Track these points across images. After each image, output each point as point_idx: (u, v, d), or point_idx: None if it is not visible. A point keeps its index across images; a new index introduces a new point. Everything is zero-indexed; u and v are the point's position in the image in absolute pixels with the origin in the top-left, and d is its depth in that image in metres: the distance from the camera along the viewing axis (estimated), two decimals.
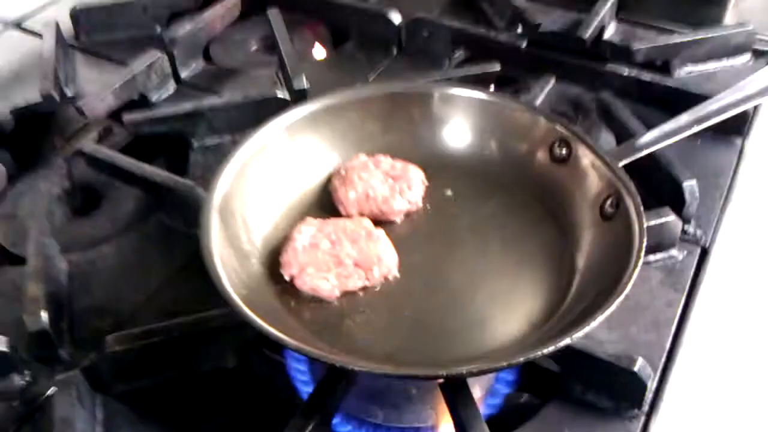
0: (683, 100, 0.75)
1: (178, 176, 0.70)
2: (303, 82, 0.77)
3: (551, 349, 0.47)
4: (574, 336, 0.47)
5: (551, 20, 0.89)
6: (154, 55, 0.84)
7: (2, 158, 0.77)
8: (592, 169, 0.61)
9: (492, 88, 0.82)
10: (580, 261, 0.58)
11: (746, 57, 0.86)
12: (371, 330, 0.56)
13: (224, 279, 0.51)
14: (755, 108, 0.78)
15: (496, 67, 0.81)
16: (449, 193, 0.66)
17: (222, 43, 0.95)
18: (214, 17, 0.93)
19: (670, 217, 0.63)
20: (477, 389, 0.58)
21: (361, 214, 0.63)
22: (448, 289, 0.59)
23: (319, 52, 0.95)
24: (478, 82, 0.79)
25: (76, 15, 0.94)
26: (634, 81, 0.82)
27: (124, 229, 0.70)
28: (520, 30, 0.88)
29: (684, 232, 0.66)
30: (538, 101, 0.80)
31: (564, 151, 0.64)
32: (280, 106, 0.68)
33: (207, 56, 0.93)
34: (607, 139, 0.76)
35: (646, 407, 0.55)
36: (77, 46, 0.94)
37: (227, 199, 0.59)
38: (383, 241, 0.59)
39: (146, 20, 0.95)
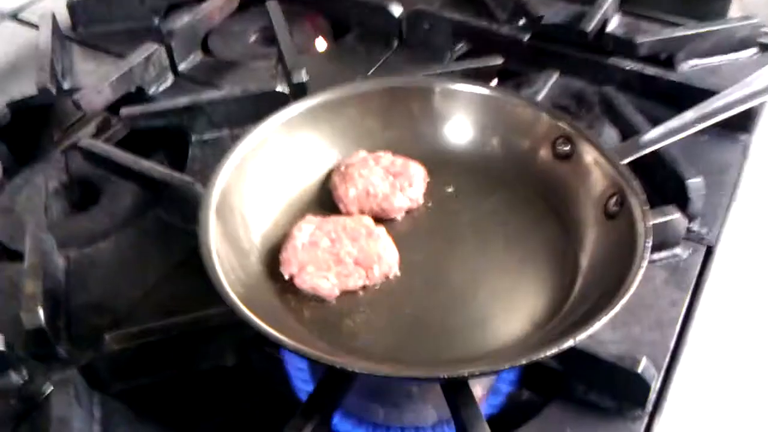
0: (687, 94, 0.74)
1: (177, 171, 0.69)
2: (302, 76, 0.76)
3: (554, 350, 0.46)
4: (577, 338, 0.47)
5: (554, 12, 0.88)
6: (152, 47, 0.84)
7: None
8: (595, 167, 0.61)
9: (494, 81, 0.81)
10: (584, 259, 0.58)
11: (751, 51, 0.85)
12: (372, 329, 0.55)
13: (222, 278, 0.51)
14: (761, 104, 0.77)
15: (498, 60, 0.80)
16: (450, 190, 0.66)
17: (220, 35, 0.94)
18: (212, 8, 0.92)
19: (675, 215, 0.63)
20: (478, 388, 0.57)
21: (362, 212, 0.63)
22: (449, 287, 0.58)
23: (318, 44, 0.94)
24: (480, 75, 0.79)
25: (73, 6, 0.94)
26: (637, 75, 0.81)
27: (122, 224, 0.69)
28: (522, 23, 0.87)
29: (689, 230, 0.66)
30: (541, 95, 0.80)
31: (567, 148, 0.63)
32: (280, 100, 0.67)
33: (205, 48, 0.92)
34: (610, 134, 0.76)
35: (649, 408, 0.55)
36: (74, 37, 0.93)
37: (226, 195, 0.58)
38: (384, 239, 0.59)
39: (144, 12, 0.94)
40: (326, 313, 0.56)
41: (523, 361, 0.47)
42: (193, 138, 0.77)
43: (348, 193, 0.63)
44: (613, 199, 0.58)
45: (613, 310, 0.48)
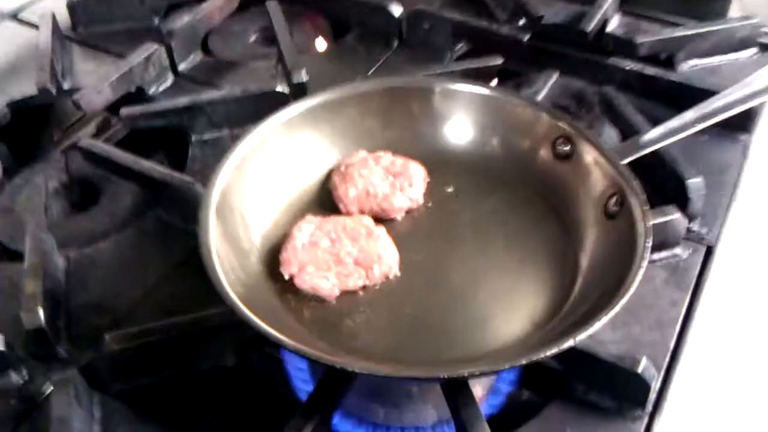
0: (687, 94, 0.74)
1: (177, 171, 0.69)
2: (302, 76, 0.76)
3: (554, 351, 0.46)
4: (577, 338, 0.47)
5: (554, 12, 0.88)
6: (152, 47, 0.83)
7: None
8: (595, 167, 0.61)
9: (494, 81, 0.81)
10: (584, 260, 0.58)
11: (751, 51, 0.85)
12: (371, 329, 0.55)
13: (222, 278, 0.51)
14: (761, 104, 0.77)
15: (498, 60, 0.80)
16: (450, 190, 0.66)
17: (220, 34, 0.94)
18: (213, 8, 0.92)
19: (675, 216, 0.62)
20: (478, 388, 0.57)
21: (362, 212, 0.62)
22: (449, 287, 0.58)
23: (318, 44, 0.94)
24: (480, 75, 0.79)
25: (73, 6, 0.94)
26: (637, 75, 0.81)
27: (122, 224, 0.69)
28: (522, 22, 0.87)
29: (689, 230, 0.65)
30: (541, 95, 0.80)
31: (567, 148, 0.63)
32: (280, 100, 0.67)
33: (205, 48, 0.92)
34: (610, 134, 0.75)
35: (649, 408, 0.54)
36: (74, 37, 0.93)
37: (226, 195, 0.58)
38: (384, 239, 0.59)
39: (144, 12, 0.94)
40: (326, 313, 0.56)
41: (523, 361, 0.47)
42: (193, 138, 0.77)
43: (348, 193, 0.63)
44: (613, 199, 0.58)
45: (613, 310, 0.48)
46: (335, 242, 0.58)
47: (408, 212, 0.64)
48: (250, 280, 0.55)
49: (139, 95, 0.82)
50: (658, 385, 0.55)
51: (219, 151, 0.62)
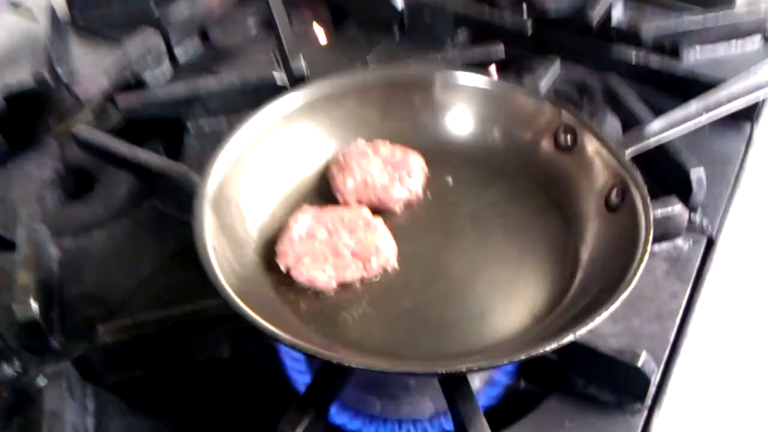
0: (692, 83, 0.74)
1: (173, 161, 0.68)
2: (301, 66, 0.75)
3: (554, 346, 0.46)
4: (577, 333, 0.46)
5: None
6: (150, 36, 0.83)
7: None
8: (597, 158, 0.60)
9: (494, 68, 0.80)
10: (584, 252, 0.57)
11: (757, 40, 0.84)
12: (369, 322, 0.55)
13: (218, 270, 0.50)
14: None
15: (500, 48, 0.79)
16: (450, 181, 0.65)
17: (219, 21, 0.93)
18: None
19: (677, 207, 0.62)
20: (476, 380, 0.57)
21: (360, 203, 0.62)
22: (448, 280, 0.58)
23: (318, 33, 0.93)
24: (481, 64, 0.78)
25: None
26: (641, 63, 0.80)
27: (117, 214, 0.69)
28: (524, 10, 0.86)
29: (690, 221, 0.65)
30: (542, 83, 0.79)
31: (569, 139, 0.63)
32: (278, 90, 0.66)
33: (204, 35, 0.91)
34: (612, 123, 0.75)
35: (648, 401, 0.54)
36: (71, 25, 0.92)
37: (222, 186, 0.58)
38: (381, 231, 0.58)
39: None
40: (323, 305, 0.56)
41: (522, 357, 0.46)
42: (190, 126, 0.77)
43: (346, 183, 0.62)
44: (615, 192, 0.58)
45: (614, 304, 0.47)
46: (332, 234, 0.58)
47: (407, 204, 0.64)
48: (245, 272, 0.55)
49: (136, 84, 0.81)
50: (658, 378, 0.55)
51: (215, 140, 0.61)
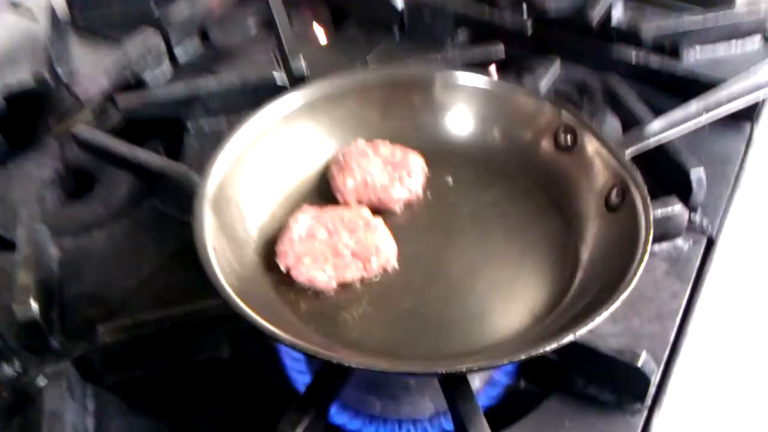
0: (692, 83, 0.74)
1: (173, 161, 0.68)
2: (302, 66, 0.75)
3: (554, 346, 0.46)
4: (577, 333, 0.46)
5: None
6: (150, 36, 0.83)
7: None
8: (597, 158, 0.60)
9: (494, 68, 0.80)
10: (584, 253, 0.57)
11: (757, 40, 0.84)
12: (369, 322, 0.55)
13: (218, 270, 0.50)
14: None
15: (500, 51, 0.79)
16: (450, 181, 0.65)
17: (219, 21, 0.93)
18: None
19: (677, 207, 0.62)
20: (476, 380, 0.57)
21: (360, 203, 0.62)
22: (448, 280, 0.58)
23: (318, 33, 0.93)
24: (482, 64, 0.78)
25: None
26: (641, 63, 0.80)
27: (117, 214, 0.69)
28: (524, 10, 0.86)
29: (690, 221, 0.65)
30: (542, 83, 0.79)
31: (569, 139, 0.63)
32: (278, 90, 0.66)
33: (204, 36, 0.91)
34: (612, 123, 0.75)
35: (648, 401, 0.54)
36: (71, 25, 0.92)
37: (222, 186, 0.58)
38: (381, 231, 0.58)
39: None
40: (323, 305, 0.56)
41: (522, 357, 0.46)
42: (190, 126, 0.76)
43: (346, 183, 0.62)
44: (615, 192, 0.58)
45: (614, 305, 0.47)
46: (332, 234, 0.58)
47: (407, 204, 0.63)
48: (245, 272, 0.55)
49: (136, 83, 0.81)
50: (658, 378, 0.55)
51: (215, 140, 0.61)
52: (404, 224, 0.62)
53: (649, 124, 0.64)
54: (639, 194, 0.55)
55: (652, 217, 0.53)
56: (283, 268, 0.57)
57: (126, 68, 0.80)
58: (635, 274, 0.49)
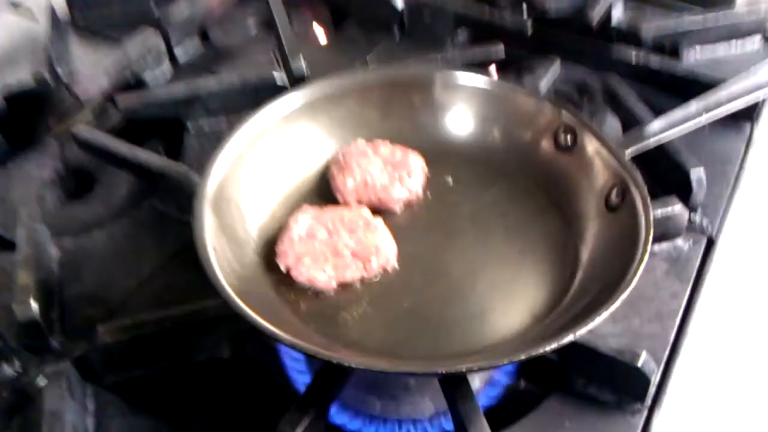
0: (692, 83, 0.73)
1: (173, 161, 0.68)
2: (302, 66, 0.75)
3: (554, 346, 0.46)
4: (577, 333, 0.46)
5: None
6: (150, 36, 0.83)
7: None
8: (597, 158, 0.60)
9: (494, 68, 0.80)
10: (584, 253, 0.57)
11: (757, 40, 0.84)
12: (369, 322, 0.55)
13: (218, 271, 0.50)
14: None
15: (500, 51, 0.79)
16: (450, 181, 0.65)
17: (219, 21, 0.92)
18: None
19: (677, 207, 0.62)
20: (476, 380, 0.57)
21: (360, 203, 0.62)
22: (448, 280, 0.58)
23: (318, 33, 0.93)
24: (482, 63, 0.78)
25: None
26: (641, 63, 0.80)
27: (117, 214, 0.69)
28: (524, 10, 0.86)
29: (690, 221, 0.65)
30: (542, 83, 0.79)
31: (569, 139, 0.63)
32: (278, 90, 0.66)
33: (204, 36, 0.91)
34: (612, 123, 0.74)
35: (648, 401, 0.54)
36: (71, 25, 0.92)
37: (222, 186, 0.58)
38: (381, 231, 0.58)
39: None
40: (323, 305, 0.56)
41: (522, 357, 0.46)
42: (190, 126, 0.76)
43: (346, 183, 0.62)
44: (615, 192, 0.57)
45: (614, 305, 0.47)
46: (332, 234, 0.58)
47: (407, 204, 0.63)
48: (245, 272, 0.55)
49: (136, 83, 0.81)
50: (658, 378, 0.55)
51: (215, 140, 0.61)
52: (404, 224, 0.62)
53: (649, 124, 0.64)
54: (639, 194, 0.55)
55: (652, 217, 0.53)
56: (283, 268, 0.56)
57: (126, 68, 0.80)
58: (635, 274, 0.49)
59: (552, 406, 0.54)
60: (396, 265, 0.58)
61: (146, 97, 0.77)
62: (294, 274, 0.56)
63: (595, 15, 0.82)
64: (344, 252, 0.57)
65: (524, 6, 0.86)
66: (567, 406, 0.54)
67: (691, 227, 0.65)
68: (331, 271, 0.56)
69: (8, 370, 0.55)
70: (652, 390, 0.54)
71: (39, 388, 0.53)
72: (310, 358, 0.57)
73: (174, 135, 0.77)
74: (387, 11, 0.89)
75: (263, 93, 0.68)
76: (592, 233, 0.58)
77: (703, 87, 0.68)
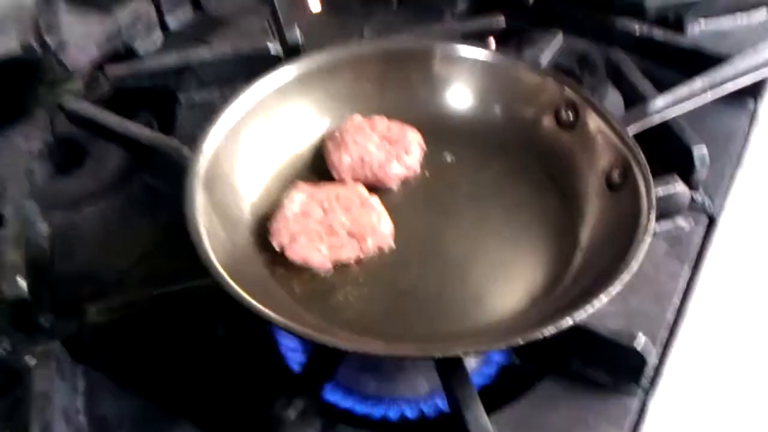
0: (696, 57, 0.73)
1: (164, 134, 0.67)
2: (296, 35, 0.74)
3: (552, 330, 0.45)
4: (576, 317, 0.46)
5: None
6: (141, 3, 0.81)
7: None
8: (599, 136, 0.59)
9: (494, 41, 0.78)
10: (585, 233, 0.57)
11: (763, 12, 0.83)
12: (364, 303, 0.54)
13: (210, 251, 0.49)
14: None
15: (501, 22, 0.77)
16: (448, 158, 0.64)
17: None
18: None
19: (678, 186, 0.61)
20: (471, 360, 0.56)
21: (356, 180, 0.61)
22: (445, 260, 0.57)
23: (313, 3, 0.91)
24: (481, 36, 0.76)
25: None
26: (644, 36, 0.79)
27: (108, 188, 0.68)
28: None
29: (692, 200, 0.64)
30: (544, 56, 0.77)
31: (571, 116, 0.62)
32: (272, 60, 0.65)
33: (197, 5, 0.89)
34: (613, 98, 0.73)
35: (645, 383, 0.54)
36: None
37: (214, 162, 0.57)
38: (378, 210, 0.58)
39: None
40: (318, 285, 0.55)
41: (520, 341, 0.46)
42: (182, 98, 0.75)
43: (342, 160, 0.61)
44: (617, 171, 0.57)
45: (614, 288, 0.47)
46: (328, 212, 0.57)
47: (404, 181, 0.63)
48: (238, 251, 0.54)
49: (127, 53, 0.80)
50: (655, 360, 0.54)
51: (207, 111, 0.60)
52: (401, 202, 0.61)
53: (652, 101, 0.63)
54: (641, 174, 0.54)
55: (654, 198, 0.52)
56: (276, 247, 0.56)
57: (116, 37, 0.79)
58: (636, 256, 0.48)
59: (548, 387, 0.54)
60: (392, 244, 0.57)
61: (136, 67, 0.75)
62: (288, 253, 0.55)
63: None
64: (340, 231, 0.56)
65: None
66: (563, 387, 0.54)
67: (693, 206, 0.64)
68: (326, 251, 0.55)
69: None
70: (649, 371, 0.53)
71: (28, 368, 0.52)
72: (303, 341, 0.56)
73: (165, 106, 0.75)
74: None
75: (257, 63, 0.67)
76: (593, 213, 0.57)
77: (708, 61, 0.67)
